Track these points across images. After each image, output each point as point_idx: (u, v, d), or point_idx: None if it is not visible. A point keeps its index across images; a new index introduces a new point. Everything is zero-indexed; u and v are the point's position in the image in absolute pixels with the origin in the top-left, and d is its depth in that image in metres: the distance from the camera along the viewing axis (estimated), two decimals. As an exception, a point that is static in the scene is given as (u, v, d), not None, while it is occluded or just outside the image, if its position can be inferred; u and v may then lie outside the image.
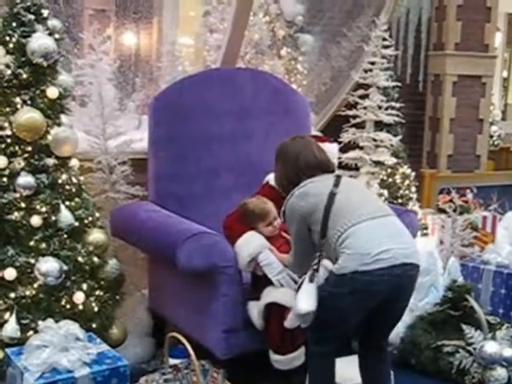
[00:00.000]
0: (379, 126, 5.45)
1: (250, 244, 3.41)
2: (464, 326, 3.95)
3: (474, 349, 3.86)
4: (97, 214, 3.55)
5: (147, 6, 5.02)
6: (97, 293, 3.46)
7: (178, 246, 3.31)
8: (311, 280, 2.97)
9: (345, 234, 2.88)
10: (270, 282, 3.41)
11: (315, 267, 2.99)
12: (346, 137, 5.36)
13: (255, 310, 3.44)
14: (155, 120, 4.10)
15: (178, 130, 4.09)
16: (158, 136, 4.09)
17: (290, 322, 3.30)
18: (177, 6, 5.41)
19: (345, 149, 5.21)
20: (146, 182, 4.17)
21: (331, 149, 3.59)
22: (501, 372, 3.80)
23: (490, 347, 3.82)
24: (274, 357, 3.43)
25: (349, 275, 2.82)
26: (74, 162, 3.46)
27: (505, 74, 11.61)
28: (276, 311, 3.35)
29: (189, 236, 3.35)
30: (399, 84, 5.64)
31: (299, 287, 3.02)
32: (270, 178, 3.74)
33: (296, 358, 3.41)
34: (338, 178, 3.09)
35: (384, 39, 5.47)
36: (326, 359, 3.07)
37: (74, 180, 3.43)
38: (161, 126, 4.09)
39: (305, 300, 2.93)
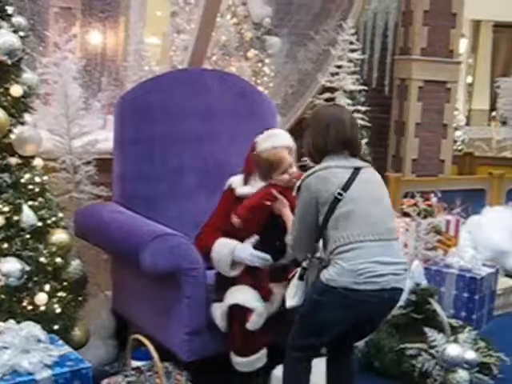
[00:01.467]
0: (345, 129, 5.47)
1: (223, 251, 3.39)
2: (427, 329, 3.98)
3: (437, 351, 3.90)
4: (60, 214, 3.50)
5: (114, 5, 5.00)
6: (59, 294, 3.41)
7: (143, 247, 3.29)
8: (301, 278, 3.05)
9: (347, 246, 2.85)
10: (233, 283, 3.41)
11: (305, 266, 3.06)
12: (311, 139, 5.37)
13: (218, 311, 3.43)
14: (121, 120, 4.07)
15: (144, 130, 4.05)
16: (124, 136, 4.06)
17: (252, 323, 3.30)
18: (144, 5, 5.37)
19: (310, 151, 5.21)
20: (110, 182, 4.14)
21: None
22: (463, 374, 3.84)
23: (453, 350, 3.86)
24: (236, 359, 3.42)
25: (339, 289, 2.83)
26: (38, 162, 3.42)
27: (469, 79, 11.79)
28: (238, 313, 3.33)
29: (153, 237, 3.33)
30: (365, 88, 5.68)
31: (290, 280, 3.13)
32: (233, 181, 3.65)
33: (258, 360, 3.40)
34: (357, 170, 3.03)
35: (351, 43, 5.51)
36: (303, 365, 3.06)
37: (38, 180, 3.38)
38: (126, 125, 4.05)
39: (291, 296, 3.07)
